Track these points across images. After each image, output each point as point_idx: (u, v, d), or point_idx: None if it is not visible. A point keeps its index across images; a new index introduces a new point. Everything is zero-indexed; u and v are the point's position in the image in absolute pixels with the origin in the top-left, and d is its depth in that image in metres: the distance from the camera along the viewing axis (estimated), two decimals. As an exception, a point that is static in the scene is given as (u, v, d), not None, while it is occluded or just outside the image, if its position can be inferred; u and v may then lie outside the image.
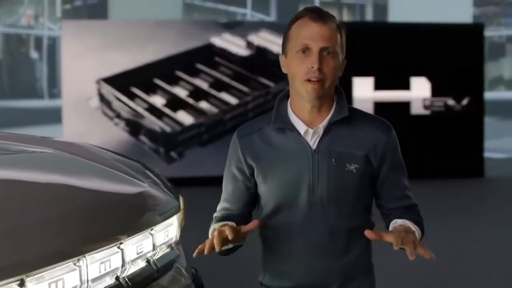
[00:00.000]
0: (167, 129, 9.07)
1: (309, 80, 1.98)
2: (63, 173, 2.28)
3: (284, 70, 2.07)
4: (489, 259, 5.44)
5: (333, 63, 1.99)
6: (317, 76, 1.97)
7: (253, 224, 1.99)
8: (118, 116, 9.01)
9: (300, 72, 1.99)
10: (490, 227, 6.69)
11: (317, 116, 2.05)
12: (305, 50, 1.98)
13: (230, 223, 2.04)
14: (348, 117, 2.05)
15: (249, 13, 23.92)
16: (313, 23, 1.99)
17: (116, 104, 9.02)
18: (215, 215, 2.21)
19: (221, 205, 2.20)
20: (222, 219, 2.13)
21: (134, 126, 9.01)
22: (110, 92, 9.06)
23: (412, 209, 2.12)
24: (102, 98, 9.05)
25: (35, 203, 1.90)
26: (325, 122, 2.05)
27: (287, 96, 2.11)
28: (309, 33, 1.98)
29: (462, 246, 5.89)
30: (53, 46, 23.92)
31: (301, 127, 2.05)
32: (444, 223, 6.58)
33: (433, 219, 6.79)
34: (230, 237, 1.89)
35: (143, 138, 9.04)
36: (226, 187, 2.18)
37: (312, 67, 1.96)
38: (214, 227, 2.06)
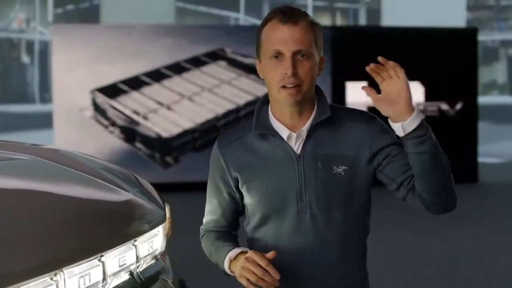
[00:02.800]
0: (163, 134, 9.10)
1: (284, 87, 1.88)
2: (41, 181, 2.19)
3: (260, 75, 1.98)
4: (483, 263, 5.39)
5: (308, 65, 1.89)
6: (293, 82, 1.87)
7: (273, 254, 1.87)
8: (113, 124, 9.04)
9: (274, 79, 1.89)
10: (484, 232, 6.64)
11: (299, 120, 1.96)
12: (278, 55, 1.89)
13: (244, 249, 1.95)
14: (331, 117, 1.96)
15: (242, 17, 23.92)
16: (283, 26, 1.89)
17: (111, 112, 9.05)
18: (204, 228, 2.12)
19: (209, 218, 2.11)
20: (219, 237, 2.06)
21: (129, 133, 9.05)
22: (104, 101, 9.07)
23: None
24: (97, 107, 9.08)
25: (8, 214, 1.80)
26: (307, 124, 1.95)
27: (267, 100, 2.02)
28: (280, 37, 1.88)
29: (456, 250, 5.85)
30: (45, 51, 23.86)
31: (283, 131, 1.96)
32: (437, 228, 6.53)
33: (427, 224, 6.76)
34: (277, 277, 1.82)
35: (138, 144, 9.08)
36: (211, 199, 2.09)
37: (286, 73, 1.87)
38: (229, 256, 1.95)
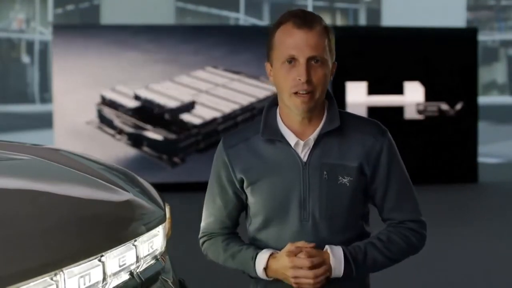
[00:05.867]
0: (170, 137, 9.31)
1: (297, 93, 1.86)
2: (41, 181, 2.18)
3: (270, 79, 1.95)
4: (483, 263, 5.39)
5: (322, 72, 1.86)
6: (306, 88, 1.84)
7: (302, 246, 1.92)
8: (120, 132, 9.28)
9: (287, 85, 1.86)
10: (483, 232, 6.64)
11: (307, 127, 1.94)
12: (291, 60, 1.85)
13: (269, 251, 1.94)
14: (340, 125, 1.94)
15: (242, 18, 23.89)
16: (298, 31, 1.85)
17: (117, 122, 9.29)
18: (207, 231, 2.09)
19: (212, 219, 2.08)
20: (229, 242, 2.03)
21: (136, 139, 9.30)
22: (111, 112, 9.29)
23: (400, 227, 1.99)
24: (102, 119, 9.30)
25: (8, 214, 1.80)
26: (315, 133, 1.94)
27: (275, 103, 2.00)
28: (295, 42, 1.84)
29: (456, 250, 5.84)
30: (45, 51, 23.84)
31: (291, 138, 1.94)
32: (437, 228, 6.52)
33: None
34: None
35: (145, 148, 9.33)
36: (214, 200, 2.06)
37: (299, 79, 1.84)
38: (262, 265, 1.92)
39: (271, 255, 1.92)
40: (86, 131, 9.29)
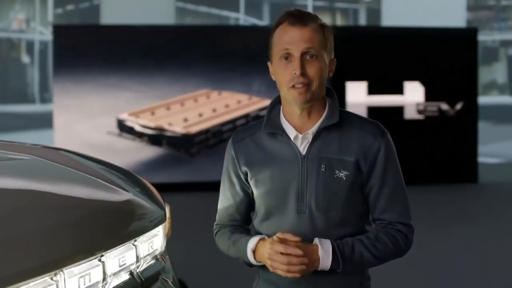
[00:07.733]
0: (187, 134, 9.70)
1: (294, 87, 1.94)
2: (42, 181, 2.19)
3: (272, 77, 2.04)
4: (483, 263, 5.39)
5: (317, 65, 1.94)
6: (302, 81, 1.93)
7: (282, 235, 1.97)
8: (140, 135, 9.66)
9: (284, 79, 1.96)
10: (484, 232, 6.64)
11: (307, 121, 2.01)
12: (287, 56, 1.95)
13: (260, 237, 2.01)
14: (340, 121, 2.00)
15: (242, 18, 23.91)
16: (292, 27, 1.95)
17: (138, 128, 9.67)
18: (219, 223, 2.16)
19: (223, 212, 2.16)
20: (233, 231, 2.10)
21: (156, 140, 9.71)
22: (132, 120, 9.63)
23: (389, 228, 2.02)
24: (122, 127, 9.61)
25: (8, 214, 1.80)
26: (314, 127, 2.00)
27: (279, 100, 2.08)
28: (289, 38, 1.94)
29: (456, 250, 5.84)
30: (45, 51, 23.85)
31: (291, 132, 2.01)
32: (437, 228, 6.53)
33: (425, 225, 6.76)
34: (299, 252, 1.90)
35: (165, 147, 9.73)
36: (225, 193, 2.15)
37: (294, 73, 1.93)
38: (251, 249, 1.99)
39: (261, 239, 2.00)
40: (90, 138, 9.43)
